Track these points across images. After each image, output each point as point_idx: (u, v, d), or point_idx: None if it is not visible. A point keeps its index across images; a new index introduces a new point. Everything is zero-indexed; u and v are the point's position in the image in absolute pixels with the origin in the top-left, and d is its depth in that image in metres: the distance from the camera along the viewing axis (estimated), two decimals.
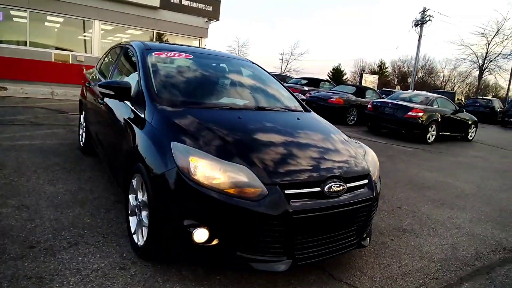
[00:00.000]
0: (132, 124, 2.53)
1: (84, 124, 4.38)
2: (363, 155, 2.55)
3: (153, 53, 3.10)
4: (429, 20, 34.10)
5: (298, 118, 2.84)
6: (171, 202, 1.97)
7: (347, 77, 56.15)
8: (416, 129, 9.13)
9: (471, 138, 11.10)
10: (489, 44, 37.19)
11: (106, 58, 4.20)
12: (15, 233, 2.44)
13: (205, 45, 14.89)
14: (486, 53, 37.53)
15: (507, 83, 36.28)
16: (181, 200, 1.93)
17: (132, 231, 2.41)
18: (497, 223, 3.78)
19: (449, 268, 2.65)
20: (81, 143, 4.56)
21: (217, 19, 14.74)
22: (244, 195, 1.86)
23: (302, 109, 3.22)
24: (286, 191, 1.92)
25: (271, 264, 1.93)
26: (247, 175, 1.92)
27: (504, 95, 38.88)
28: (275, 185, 1.92)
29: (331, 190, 2.04)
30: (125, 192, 2.55)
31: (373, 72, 52.90)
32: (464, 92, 48.34)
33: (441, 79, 54.83)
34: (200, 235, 1.88)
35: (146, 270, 2.18)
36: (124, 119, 2.66)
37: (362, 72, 38.71)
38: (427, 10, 34.09)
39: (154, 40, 13.51)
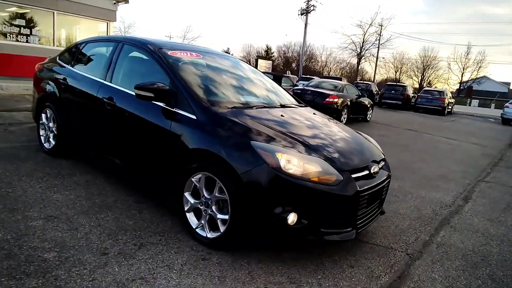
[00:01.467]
0: (181, 126, 2.68)
1: (54, 124, 4.07)
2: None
3: (169, 52, 3.21)
4: (313, 9, 37.57)
5: (314, 113, 3.38)
6: (262, 194, 2.29)
7: None
8: (333, 113, 10.49)
9: (369, 119, 13.18)
10: (365, 34, 43.11)
11: (83, 55, 3.97)
12: (73, 244, 2.42)
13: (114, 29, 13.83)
14: (363, 42, 43.48)
15: (381, 68, 42.98)
16: (273, 191, 2.28)
17: (194, 226, 2.64)
18: (430, 186, 4.99)
19: (425, 223, 3.57)
20: (47, 145, 4.22)
21: (126, 1, 13.80)
22: (324, 182, 2.33)
23: (297, 103, 3.75)
24: (353, 175, 2.46)
25: (343, 234, 2.46)
26: (323, 165, 2.38)
27: (369, 78, 45.91)
28: (346, 171, 2.43)
29: (374, 171, 2.65)
30: (179, 191, 2.71)
31: (260, 57, 56.38)
32: (337, 75, 55.54)
33: (319, 64, 61.21)
34: (292, 218, 2.28)
35: (225, 257, 2.47)
36: (167, 121, 2.76)
37: (257, 57, 40.59)
38: (311, 0, 37.44)
39: (55, 23, 11.99)
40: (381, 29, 42.72)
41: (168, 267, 2.29)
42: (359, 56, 44.67)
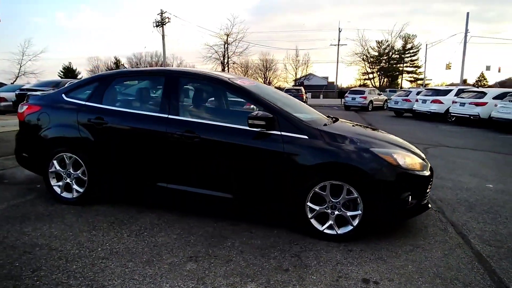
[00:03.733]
0: (296, 146, 2.96)
1: (79, 170, 3.53)
2: None
3: (238, 82, 3.37)
4: (168, 22, 37.41)
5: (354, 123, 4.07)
6: (391, 186, 2.87)
7: (82, 76, 53.23)
8: None
9: None
10: (225, 44, 45.54)
11: (116, 91, 3.56)
12: (250, 272, 2.49)
13: None
14: (224, 52, 45.89)
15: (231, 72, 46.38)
16: (398, 183, 2.88)
17: (321, 229, 2.99)
18: None
19: None
20: (68, 195, 3.61)
21: None
22: (420, 169, 3.06)
23: None
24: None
25: (428, 205, 3.25)
26: (415, 157, 3.10)
27: None
28: (424, 159, 3.23)
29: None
30: (300, 203, 3.00)
31: (110, 69, 53.68)
32: None
33: None
34: (410, 200, 2.95)
35: (360, 245, 2.93)
36: (278, 144, 2.98)
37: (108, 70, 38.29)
38: (164, 13, 37.18)
39: None
40: (227, 38, 45.65)
41: (340, 263, 2.64)
42: (223, 65, 47.03)
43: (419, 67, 53.87)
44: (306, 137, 3.00)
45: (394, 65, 54.34)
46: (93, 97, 3.57)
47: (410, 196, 2.95)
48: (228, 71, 46.99)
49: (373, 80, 54.87)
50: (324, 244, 2.95)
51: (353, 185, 2.89)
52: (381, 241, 3.02)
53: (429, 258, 2.75)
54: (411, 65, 54.99)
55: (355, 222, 2.95)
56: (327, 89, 51.61)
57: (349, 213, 2.95)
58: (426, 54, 44.57)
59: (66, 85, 3.89)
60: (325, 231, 3.00)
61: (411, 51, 54.00)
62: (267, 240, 2.99)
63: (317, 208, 3.00)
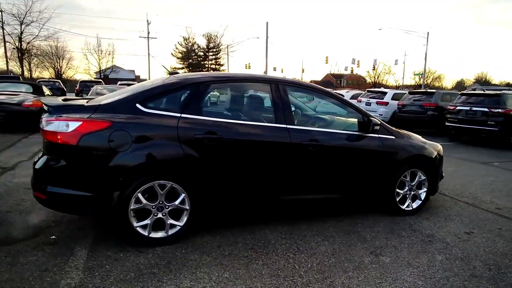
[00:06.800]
0: (391, 145, 3.61)
1: (174, 201, 2.86)
2: None
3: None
4: None
5: None
6: (439, 167, 3.95)
7: None
8: None
9: None
10: (21, 24, 35.97)
11: (217, 101, 2.94)
12: None
13: None
14: (21, 33, 36.27)
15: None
16: (441, 164, 4.01)
17: (403, 207, 3.78)
18: None
19: None
20: (165, 233, 2.86)
21: None
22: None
23: None
24: None
25: None
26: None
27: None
28: None
29: None
30: (391, 189, 3.64)
31: None
32: None
33: None
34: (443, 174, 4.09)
35: (426, 214, 3.85)
36: (379, 144, 3.55)
37: None
38: None
39: None
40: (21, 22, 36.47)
41: (441, 227, 3.53)
42: (21, 51, 36.89)
43: (221, 65, 59.35)
44: (393, 137, 3.64)
45: (201, 62, 57.69)
46: (189, 108, 2.93)
47: (442, 172, 4.11)
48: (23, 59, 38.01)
49: None
50: (407, 218, 3.73)
51: (423, 170, 3.80)
52: (430, 208, 4.05)
53: (471, 213, 4.00)
54: (215, 63, 59.81)
55: (423, 197, 3.86)
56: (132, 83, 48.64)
57: (420, 191, 3.83)
58: (228, 54, 49.82)
59: (132, 93, 2.86)
60: (405, 209, 3.78)
61: (214, 50, 58.63)
62: (379, 225, 3.52)
63: (401, 192, 3.72)
